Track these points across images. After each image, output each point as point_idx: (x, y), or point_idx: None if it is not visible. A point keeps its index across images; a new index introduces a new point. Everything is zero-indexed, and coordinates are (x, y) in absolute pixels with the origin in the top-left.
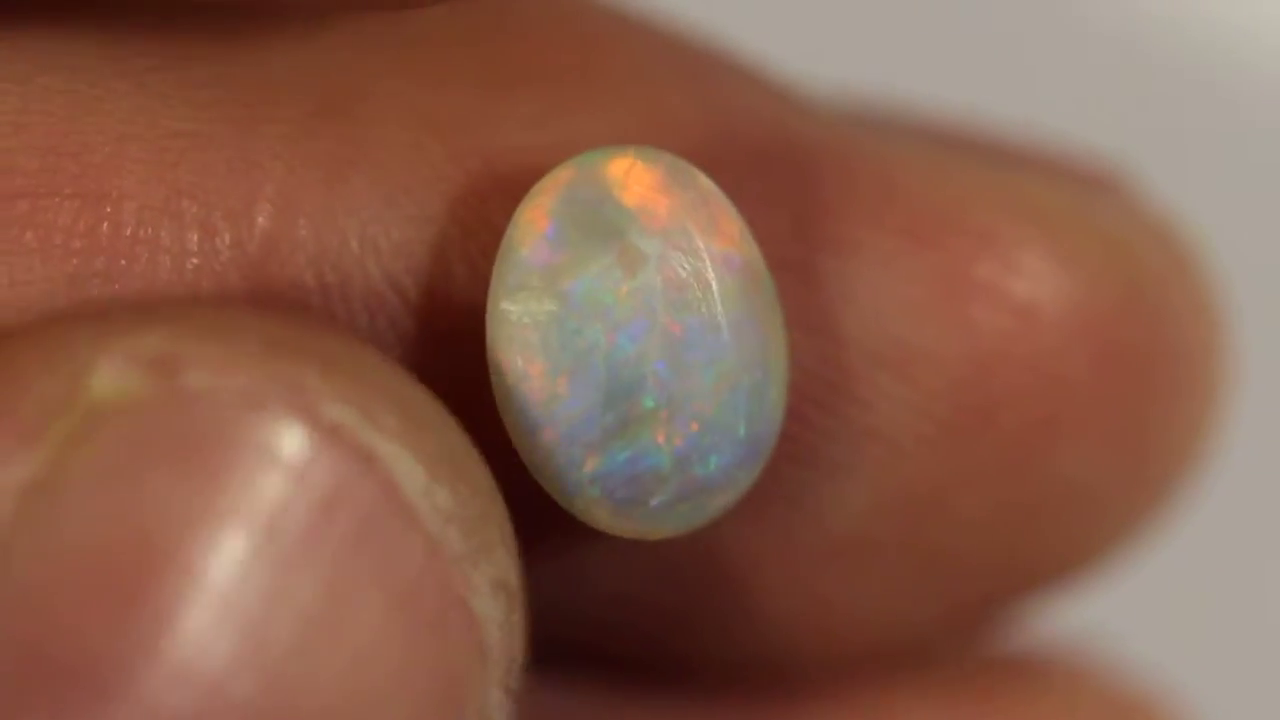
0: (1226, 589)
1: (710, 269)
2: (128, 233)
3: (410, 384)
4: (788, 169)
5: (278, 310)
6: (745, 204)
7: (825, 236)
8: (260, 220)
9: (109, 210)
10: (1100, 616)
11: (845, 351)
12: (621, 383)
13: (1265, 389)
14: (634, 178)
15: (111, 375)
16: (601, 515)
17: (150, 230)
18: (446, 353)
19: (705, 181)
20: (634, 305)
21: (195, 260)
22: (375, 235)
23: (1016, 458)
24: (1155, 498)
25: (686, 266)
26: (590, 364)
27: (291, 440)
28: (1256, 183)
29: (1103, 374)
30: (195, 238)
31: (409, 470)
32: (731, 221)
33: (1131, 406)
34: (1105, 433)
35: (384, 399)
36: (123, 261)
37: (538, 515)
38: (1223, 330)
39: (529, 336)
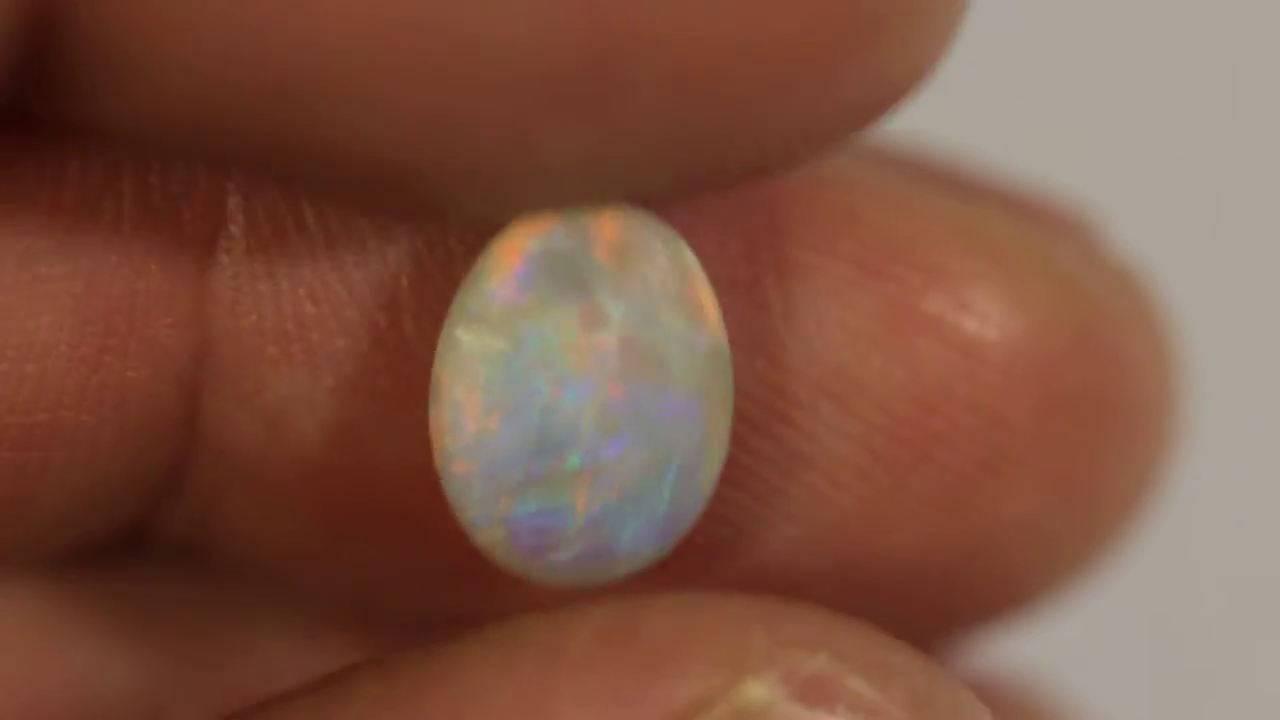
0: (1168, 626)
1: (670, 344)
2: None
3: None
4: (744, 187)
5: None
6: (697, 219)
7: (776, 259)
8: None
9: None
10: (1040, 652)
11: (787, 377)
12: (552, 437)
13: (1216, 422)
14: (616, 237)
15: (766, 688)
16: (502, 555)
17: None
18: (388, 347)
19: (688, 255)
20: (584, 364)
21: (144, 242)
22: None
23: (953, 496)
24: (1098, 543)
25: (646, 337)
26: (527, 410)
27: None
28: (1219, 232)
29: (1048, 417)
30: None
31: None
32: (705, 300)
33: (1077, 452)
34: (1048, 477)
35: None
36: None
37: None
38: (1177, 379)
39: (475, 367)
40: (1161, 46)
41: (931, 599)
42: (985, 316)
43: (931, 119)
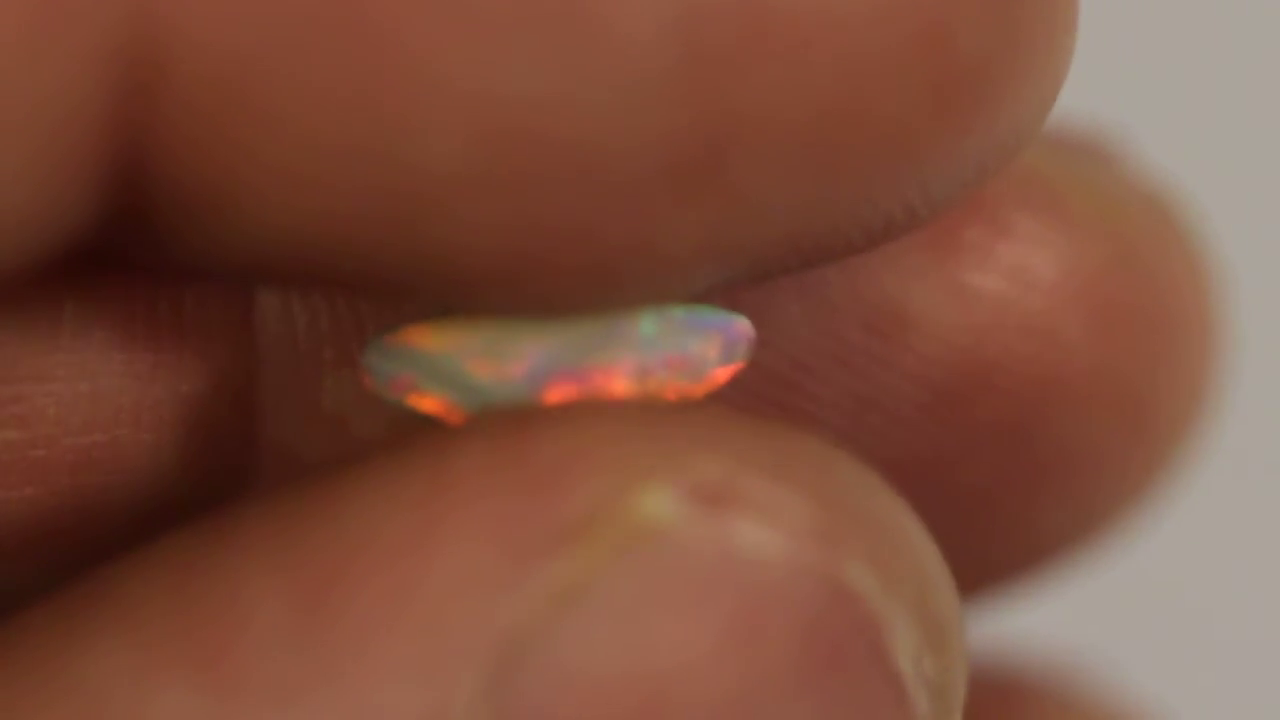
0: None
1: None
2: None
3: (929, 545)
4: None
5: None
6: None
7: None
8: None
9: None
10: (1094, 636)
11: (840, 319)
12: None
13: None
14: None
15: (660, 498)
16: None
17: None
18: None
19: None
20: None
21: None
22: None
23: (1015, 423)
24: (1155, 464)
25: None
26: None
27: (810, 604)
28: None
29: (1098, 335)
30: None
31: (906, 638)
32: None
33: (1129, 368)
34: (1103, 396)
35: (906, 565)
36: None
37: None
38: (1218, 295)
39: None
40: None
41: (1001, 536)
42: (1028, 240)
43: None
